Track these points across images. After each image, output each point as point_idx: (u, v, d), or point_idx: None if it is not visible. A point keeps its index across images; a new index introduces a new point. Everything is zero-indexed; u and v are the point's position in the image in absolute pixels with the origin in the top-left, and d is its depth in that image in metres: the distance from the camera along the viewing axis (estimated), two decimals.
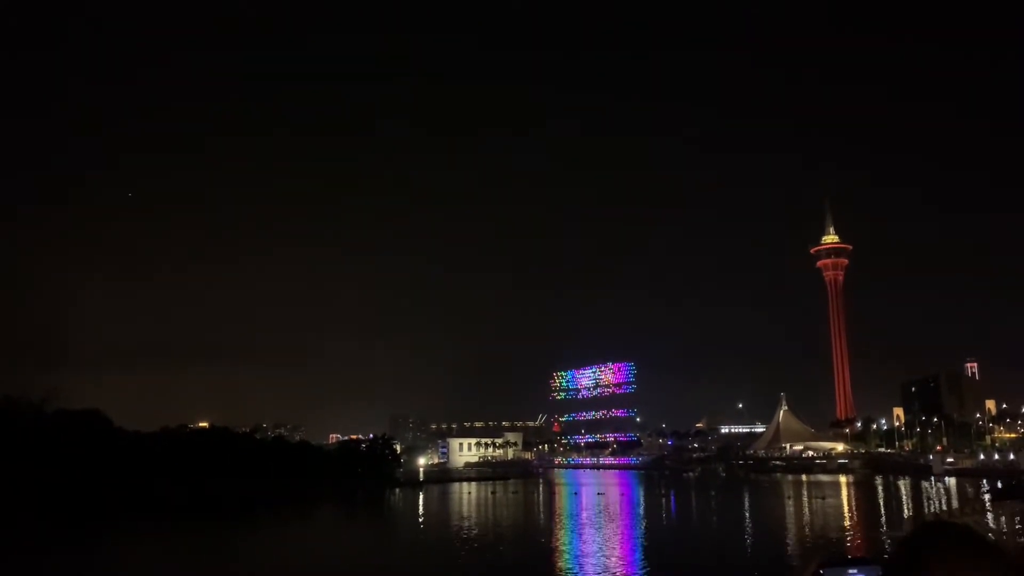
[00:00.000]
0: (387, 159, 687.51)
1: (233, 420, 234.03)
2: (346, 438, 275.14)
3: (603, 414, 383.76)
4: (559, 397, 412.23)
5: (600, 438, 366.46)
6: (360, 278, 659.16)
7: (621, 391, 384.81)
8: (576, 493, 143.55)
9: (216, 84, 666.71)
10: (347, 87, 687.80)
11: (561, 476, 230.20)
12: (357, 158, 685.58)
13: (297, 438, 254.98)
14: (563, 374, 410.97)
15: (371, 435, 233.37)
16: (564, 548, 68.38)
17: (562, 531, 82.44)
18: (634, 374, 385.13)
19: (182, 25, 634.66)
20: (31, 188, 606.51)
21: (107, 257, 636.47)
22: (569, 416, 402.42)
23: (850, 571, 2.95)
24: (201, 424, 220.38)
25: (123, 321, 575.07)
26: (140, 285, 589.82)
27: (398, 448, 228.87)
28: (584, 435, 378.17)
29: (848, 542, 66.44)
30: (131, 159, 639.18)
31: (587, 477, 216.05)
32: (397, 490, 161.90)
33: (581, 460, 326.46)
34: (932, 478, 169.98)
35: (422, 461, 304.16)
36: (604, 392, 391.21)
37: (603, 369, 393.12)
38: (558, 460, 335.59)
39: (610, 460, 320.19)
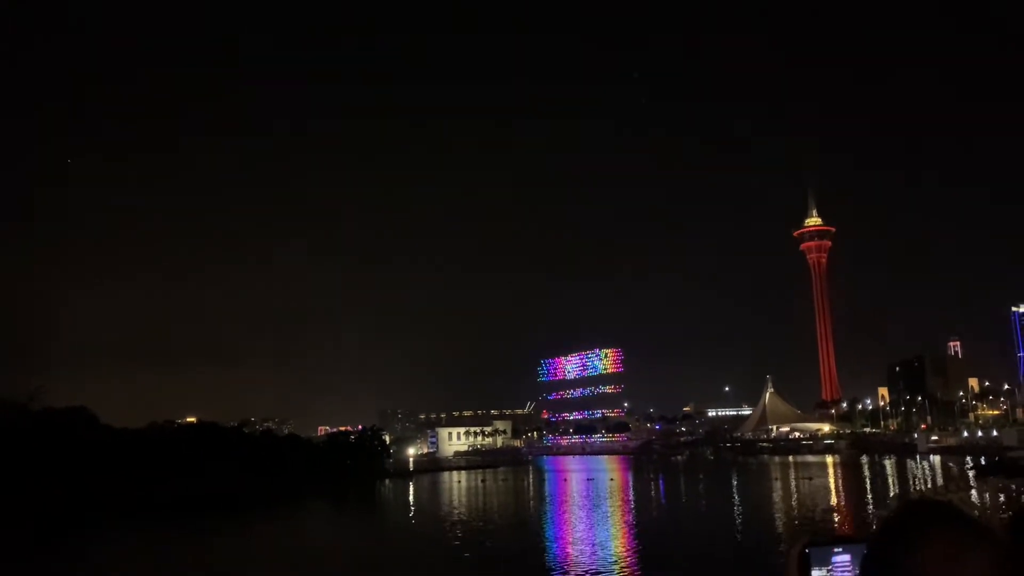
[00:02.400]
0: (383, 156, 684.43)
1: (221, 416, 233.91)
2: (334, 430, 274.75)
3: (592, 391, 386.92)
4: (547, 383, 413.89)
5: (590, 413, 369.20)
6: (346, 273, 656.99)
7: (610, 373, 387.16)
8: (565, 480, 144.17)
9: (207, 83, 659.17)
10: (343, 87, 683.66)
11: (549, 463, 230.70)
12: (351, 156, 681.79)
13: (286, 431, 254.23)
14: (551, 361, 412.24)
15: (360, 427, 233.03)
16: (554, 533, 68.76)
17: (552, 517, 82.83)
18: (622, 360, 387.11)
19: (178, 25, 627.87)
20: (22, 187, 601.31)
21: (92, 256, 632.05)
22: (554, 394, 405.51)
23: (835, 550, 2.97)
24: (189, 420, 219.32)
25: (110, 320, 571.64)
26: (126, 284, 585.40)
27: (387, 439, 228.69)
28: (572, 414, 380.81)
29: (835, 521, 67.12)
30: (124, 159, 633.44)
31: (576, 463, 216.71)
32: (387, 481, 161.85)
33: (572, 441, 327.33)
34: (917, 456, 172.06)
35: (412, 451, 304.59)
36: (592, 377, 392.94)
37: (591, 355, 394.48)
38: (546, 444, 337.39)
39: (599, 439, 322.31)
